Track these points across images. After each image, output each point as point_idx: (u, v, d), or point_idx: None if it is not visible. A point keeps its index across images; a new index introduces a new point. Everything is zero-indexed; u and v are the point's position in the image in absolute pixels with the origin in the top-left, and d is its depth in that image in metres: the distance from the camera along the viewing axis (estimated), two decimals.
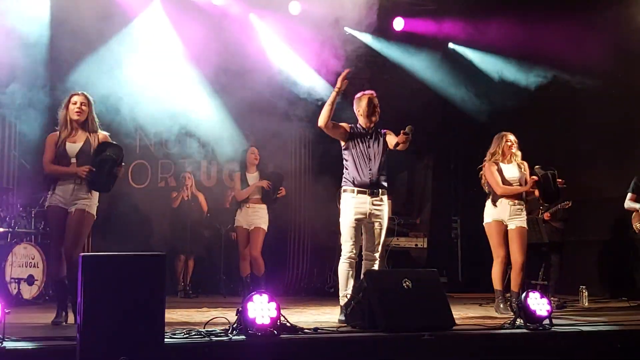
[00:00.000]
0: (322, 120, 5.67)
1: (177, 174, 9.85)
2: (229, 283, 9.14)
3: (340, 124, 5.81)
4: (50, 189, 5.46)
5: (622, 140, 8.72)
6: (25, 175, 8.45)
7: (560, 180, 6.59)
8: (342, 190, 5.80)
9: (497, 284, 6.58)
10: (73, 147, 5.41)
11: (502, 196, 6.56)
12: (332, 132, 5.77)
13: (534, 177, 6.57)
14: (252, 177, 7.92)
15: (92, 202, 5.46)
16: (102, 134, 5.59)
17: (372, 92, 5.93)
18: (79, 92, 5.59)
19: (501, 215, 6.58)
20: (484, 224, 6.71)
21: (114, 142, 5.56)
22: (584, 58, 8.61)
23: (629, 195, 7.64)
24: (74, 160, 5.39)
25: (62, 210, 5.38)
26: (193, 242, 9.10)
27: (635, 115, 8.47)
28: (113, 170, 5.39)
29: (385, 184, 5.79)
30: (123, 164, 5.50)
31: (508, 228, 6.58)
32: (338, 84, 5.65)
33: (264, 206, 7.85)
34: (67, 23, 8.45)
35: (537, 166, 6.62)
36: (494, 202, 6.59)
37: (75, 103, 5.44)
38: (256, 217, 7.83)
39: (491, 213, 6.63)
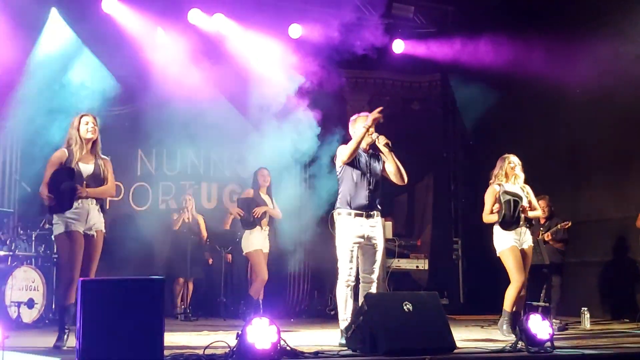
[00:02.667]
0: (346, 156, 5.62)
1: (177, 196, 9.85)
2: (229, 306, 9.09)
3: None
4: (60, 212, 5.39)
5: (621, 162, 8.73)
6: (26, 199, 8.45)
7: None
8: (337, 213, 5.75)
9: (508, 305, 6.46)
10: (85, 167, 5.46)
11: (509, 223, 6.53)
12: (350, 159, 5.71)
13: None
14: (266, 198, 7.85)
15: (102, 220, 5.56)
16: (106, 158, 5.65)
17: (367, 114, 5.95)
18: (88, 113, 5.66)
19: (517, 239, 6.54)
20: (499, 252, 6.54)
21: (70, 167, 5.41)
22: (582, 79, 8.67)
23: None
24: (87, 182, 5.42)
25: (82, 235, 5.39)
26: (193, 264, 9.06)
27: (634, 136, 8.49)
28: (73, 196, 5.33)
29: (379, 206, 5.78)
30: (80, 187, 5.38)
31: (522, 249, 6.55)
32: (369, 122, 5.60)
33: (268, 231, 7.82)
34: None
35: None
36: (507, 228, 6.53)
37: (87, 123, 5.52)
38: (267, 240, 7.79)
39: (506, 239, 6.51)
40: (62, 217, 5.38)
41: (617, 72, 8.39)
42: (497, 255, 6.58)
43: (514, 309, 6.50)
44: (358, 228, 5.64)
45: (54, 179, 5.35)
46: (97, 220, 5.48)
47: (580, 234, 8.55)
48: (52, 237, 5.66)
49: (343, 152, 5.68)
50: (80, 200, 5.39)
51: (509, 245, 6.49)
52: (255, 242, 7.68)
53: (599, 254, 9.02)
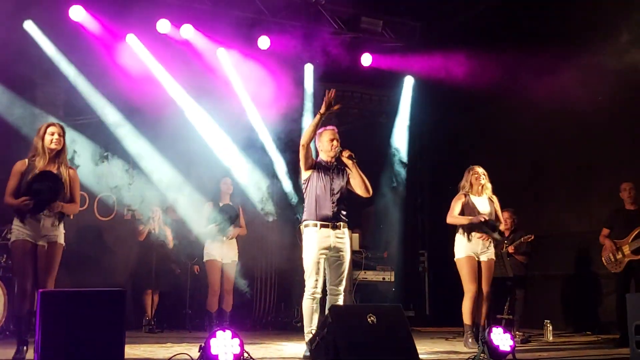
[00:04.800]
0: (304, 139, 5.69)
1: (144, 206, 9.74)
2: (195, 317, 9.02)
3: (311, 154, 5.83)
4: (15, 221, 5.37)
5: (584, 176, 8.88)
6: None
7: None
8: (303, 225, 5.77)
9: (467, 318, 6.59)
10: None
11: (472, 229, 6.62)
12: (305, 156, 5.74)
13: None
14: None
15: (60, 232, 5.47)
16: (73, 169, 5.59)
17: (333, 127, 5.98)
18: (55, 123, 5.61)
19: (474, 249, 6.63)
20: (455, 259, 6.72)
21: (54, 173, 5.43)
22: (549, 95, 8.80)
23: (603, 229, 7.69)
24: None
25: (31, 245, 5.32)
26: (159, 276, 8.97)
27: (596, 151, 8.64)
28: (49, 203, 5.35)
29: (345, 217, 5.80)
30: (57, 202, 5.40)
31: (480, 260, 6.64)
32: (322, 109, 5.63)
33: (235, 240, 7.73)
34: (35, 54, 8.51)
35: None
36: (468, 236, 6.63)
37: (52, 134, 5.46)
38: (231, 250, 7.64)
39: (464, 248, 6.66)
40: (15, 226, 5.35)
41: (580, 87, 8.53)
42: (455, 260, 6.70)
43: (481, 322, 6.58)
44: (324, 240, 5.65)
45: (34, 181, 5.28)
46: (50, 232, 5.39)
47: (543, 247, 8.67)
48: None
49: (302, 137, 5.72)
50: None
51: (465, 254, 6.62)
52: (211, 252, 7.60)
53: (562, 267, 9.14)
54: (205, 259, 7.69)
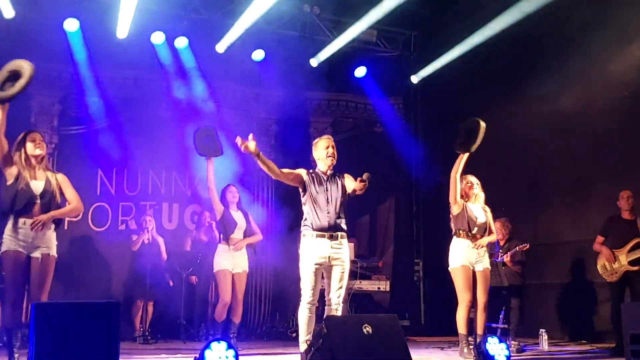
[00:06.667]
0: (270, 174, 5.65)
1: (137, 216, 9.73)
2: (189, 328, 8.98)
3: (295, 170, 5.77)
4: (6, 231, 5.32)
5: (579, 185, 8.89)
6: None
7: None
8: (301, 235, 5.73)
9: (461, 328, 6.57)
10: (36, 185, 5.33)
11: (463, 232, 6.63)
12: (288, 181, 5.73)
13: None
14: (236, 215, 7.49)
15: (53, 243, 5.40)
16: (61, 175, 5.54)
17: (329, 136, 5.96)
18: (34, 130, 5.57)
19: (469, 258, 6.61)
20: (450, 268, 6.67)
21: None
22: (544, 104, 8.84)
23: (598, 237, 7.68)
24: (38, 200, 5.31)
25: (23, 256, 5.25)
26: (152, 286, 8.94)
27: (591, 160, 8.66)
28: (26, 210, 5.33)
29: (344, 227, 5.75)
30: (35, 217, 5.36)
31: (475, 270, 6.62)
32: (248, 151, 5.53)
33: (244, 249, 7.55)
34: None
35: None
36: (458, 236, 6.63)
37: (34, 140, 5.41)
38: (242, 260, 7.35)
39: (458, 257, 6.62)
40: (6, 235, 5.27)
41: (575, 97, 8.57)
42: (449, 269, 6.68)
43: (479, 331, 6.56)
44: (320, 250, 5.60)
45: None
46: (43, 243, 5.31)
47: (538, 256, 8.67)
48: None
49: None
50: (24, 220, 5.28)
51: (460, 264, 6.60)
52: (221, 261, 7.27)
53: (557, 276, 9.14)
54: (215, 269, 7.33)
